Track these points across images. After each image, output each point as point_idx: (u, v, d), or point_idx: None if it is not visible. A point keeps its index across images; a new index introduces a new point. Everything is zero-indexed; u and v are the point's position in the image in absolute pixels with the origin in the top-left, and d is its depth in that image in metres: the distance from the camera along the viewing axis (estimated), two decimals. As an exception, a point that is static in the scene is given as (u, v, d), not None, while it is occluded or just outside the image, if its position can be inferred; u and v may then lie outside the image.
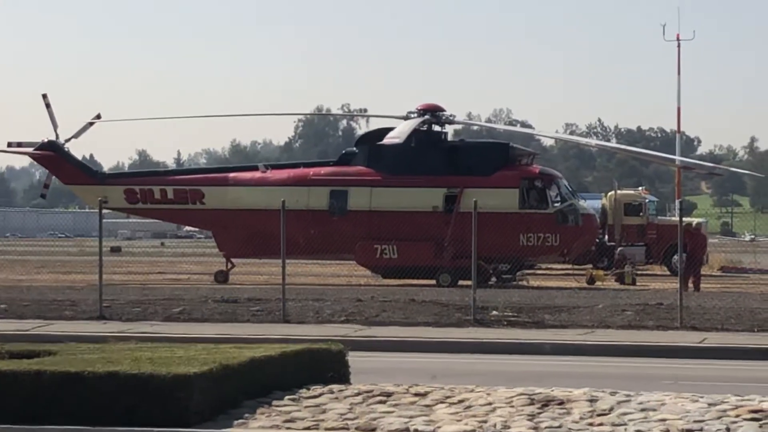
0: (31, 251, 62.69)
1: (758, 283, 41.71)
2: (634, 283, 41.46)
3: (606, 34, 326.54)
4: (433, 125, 42.86)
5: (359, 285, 38.81)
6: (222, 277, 41.72)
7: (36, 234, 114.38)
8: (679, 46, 76.18)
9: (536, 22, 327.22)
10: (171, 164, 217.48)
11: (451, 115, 43.86)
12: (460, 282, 39.06)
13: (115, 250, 65.62)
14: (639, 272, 45.28)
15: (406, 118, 42.54)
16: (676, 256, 49.05)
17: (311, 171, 42.82)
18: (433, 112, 42.69)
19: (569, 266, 47.41)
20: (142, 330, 23.63)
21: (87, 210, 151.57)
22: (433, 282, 39.35)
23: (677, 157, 61.86)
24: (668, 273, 48.97)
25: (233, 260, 42.67)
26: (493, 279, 40.27)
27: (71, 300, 28.48)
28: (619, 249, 46.89)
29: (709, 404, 12.63)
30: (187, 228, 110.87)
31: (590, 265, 45.35)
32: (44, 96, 43.53)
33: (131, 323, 25.14)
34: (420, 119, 41.98)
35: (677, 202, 73.62)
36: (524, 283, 41.19)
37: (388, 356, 21.22)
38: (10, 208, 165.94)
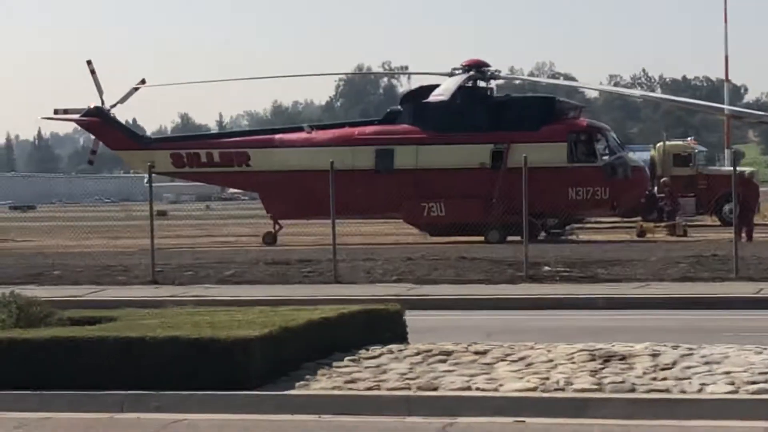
0: (78, 217, 62.88)
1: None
2: (685, 234, 41.15)
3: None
4: (478, 81, 42.59)
5: (407, 243, 38.76)
6: (270, 238, 41.78)
7: (82, 199, 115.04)
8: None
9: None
10: (213, 127, 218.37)
11: (496, 71, 43.57)
12: (509, 238, 38.94)
13: (161, 214, 65.74)
14: (690, 223, 44.94)
15: (450, 74, 42.28)
16: (726, 206, 48.93)
17: (356, 130, 42.70)
18: (478, 68, 42.41)
19: (618, 219, 47.21)
20: (194, 293, 23.73)
21: (132, 174, 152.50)
22: (481, 239, 39.22)
23: (726, 106, 61.19)
24: (719, 223, 48.60)
25: (280, 222, 42.70)
26: (543, 234, 40.11)
27: (123, 265, 28.62)
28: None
29: (774, 356, 12.52)
30: (231, 190, 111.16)
31: (639, 218, 45.07)
32: (89, 62, 43.60)
33: (184, 287, 25.24)
34: (465, 75, 41.71)
35: (726, 151, 73.13)
36: (574, 237, 41.00)
37: (441, 315, 21.17)
38: (56, 174, 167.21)
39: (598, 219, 48.58)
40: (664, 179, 47.62)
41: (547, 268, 26.11)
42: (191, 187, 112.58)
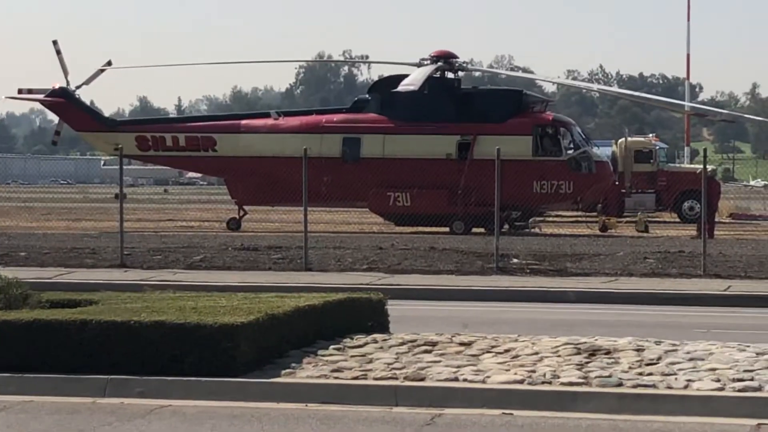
0: (34, 198, 62.46)
1: (771, 231, 41.65)
2: (647, 230, 41.40)
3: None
4: (445, 72, 42.62)
5: (373, 233, 38.77)
6: (234, 224, 41.66)
7: (37, 181, 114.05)
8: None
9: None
10: (172, 111, 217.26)
11: (464, 62, 43.64)
12: (474, 229, 39.05)
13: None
14: (649, 219, 45.21)
15: (419, 65, 42.29)
16: (686, 203, 49.31)
17: (324, 118, 42.62)
18: (446, 59, 42.45)
19: (579, 213, 47.42)
20: (164, 278, 23.56)
21: (88, 156, 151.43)
22: (446, 230, 39.30)
23: (687, 103, 61.54)
24: (678, 220, 48.94)
25: (245, 207, 42.59)
26: (506, 226, 40.23)
27: (90, 248, 28.41)
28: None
29: (757, 353, 12.61)
30: (190, 175, 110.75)
31: (600, 213, 45.28)
32: (55, 42, 43.28)
33: (153, 271, 25.06)
34: (434, 66, 41.73)
35: (686, 148, 73.64)
36: (537, 230, 41.16)
37: (415, 304, 21.15)
38: (11, 154, 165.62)
39: (559, 213, 48.79)
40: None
41: (516, 260, 26.18)
42: (149, 171, 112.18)
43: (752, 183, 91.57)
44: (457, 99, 41.65)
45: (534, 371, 12.06)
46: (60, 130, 46.28)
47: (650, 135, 60.16)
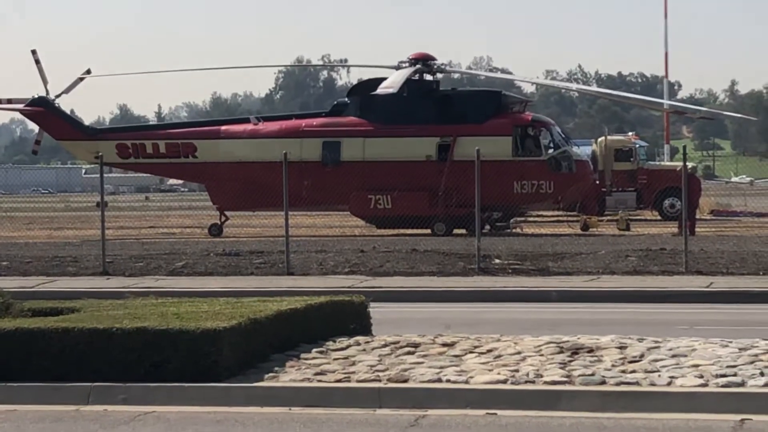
0: (16, 207, 62.30)
1: (752, 226, 41.77)
2: (628, 228, 41.48)
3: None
4: (424, 74, 42.66)
5: (354, 236, 38.77)
6: (216, 230, 41.62)
7: (18, 190, 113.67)
8: (666, -11, 76.02)
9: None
10: (152, 118, 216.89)
11: (442, 64, 43.69)
12: (455, 231, 39.08)
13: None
14: (631, 218, 45.30)
15: (397, 67, 42.33)
16: (667, 201, 49.42)
17: (303, 122, 42.62)
18: (424, 61, 42.48)
19: (560, 213, 47.49)
20: (146, 285, 23.54)
21: (69, 165, 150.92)
22: (428, 231, 39.33)
23: (666, 101, 61.71)
24: (659, 218, 49.04)
25: (226, 213, 42.56)
26: (487, 227, 40.25)
27: (72, 256, 28.35)
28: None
29: (740, 349, 12.64)
30: (171, 182, 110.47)
31: (580, 212, 45.36)
32: (33, 52, 43.16)
33: (135, 278, 25.04)
34: (412, 69, 41.75)
35: (666, 146, 73.85)
36: (518, 230, 41.23)
37: (397, 306, 21.15)
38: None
39: (540, 212, 48.87)
40: None
41: (498, 260, 26.21)
42: (130, 178, 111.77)
43: (735, 179, 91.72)
44: (436, 101, 41.69)
45: (517, 371, 12.07)
46: (40, 139, 46.18)
47: (630, 133, 60.31)
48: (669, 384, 11.48)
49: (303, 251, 27.98)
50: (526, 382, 11.76)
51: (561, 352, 12.76)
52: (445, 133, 40.70)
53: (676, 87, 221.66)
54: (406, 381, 11.99)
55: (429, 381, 11.93)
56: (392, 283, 23.79)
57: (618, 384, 11.56)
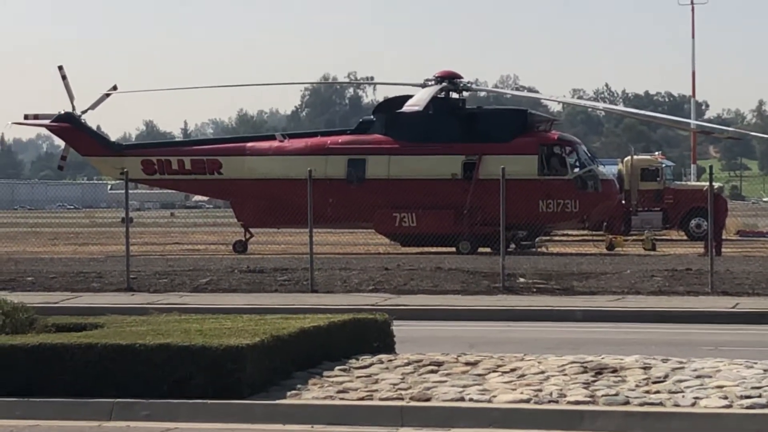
0: (42, 223, 62.61)
1: (778, 248, 41.56)
2: (654, 248, 41.32)
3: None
4: (450, 92, 42.65)
5: (379, 253, 38.75)
6: (241, 247, 41.63)
7: (45, 206, 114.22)
8: (693, 9, 75.81)
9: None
10: (178, 135, 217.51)
11: (468, 82, 43.67)
12: (480, 249, 39.00)
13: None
14: (657, 237, 45.14)
15: (423, 85, 42.31)
16: (693, 221, 49.23)
17: (329, 140, 42.64)
18: (450, 79, 42.47)
19: (585, 232, 47.35)
20: (170, 301, 23.52)
21: (95, 181, 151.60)
22: (453, 250, 39.25)
23: (693, 121, 61.48)
24: (686, 238, 48.84)
25: (251, 230, 42.60)
26: (512, 246, 40.16)
27: (97, 272, 28.40)
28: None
29: (765, 370, 12.56)
30: (196, 198, 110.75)
31: (607, 231, 45.22)
32: (60, 68, 43.34)
33: (159, 294, 25.07)
34: (438, 86, 41.72)
35: (693, 166, 73.57)
36: (543, 249, 41.10)
37: (421, 325, 21.13)
38: (19, 180, 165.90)
39: (565, 231, 48.74)
40: None
41: (522, 279, 26.14)
42: (155, 195, 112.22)
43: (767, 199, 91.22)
44: (462, 119, 41.66)
45: (540, 390, 12.02)
46: (66, 155, 46.33)
47: (656, 153, 60.08)
48: (693, 405, 11.41)
49: (327, 268, 27.97)
50: (550, 401, 11.71)
51: (585, 371, 12.70)
52: (471, 151, 40.64)
53: (703, 107, 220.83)
54: (428, 399, 11.95)
55: (452, 400, 11.90)
56: (416, 301, 23.76)
57: (642, 404, 11.50)
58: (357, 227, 42.80)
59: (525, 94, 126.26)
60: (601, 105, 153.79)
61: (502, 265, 25.55)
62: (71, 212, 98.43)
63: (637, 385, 12.09)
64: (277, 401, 12.11)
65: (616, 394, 11.76)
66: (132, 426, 11.99)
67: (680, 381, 12.18)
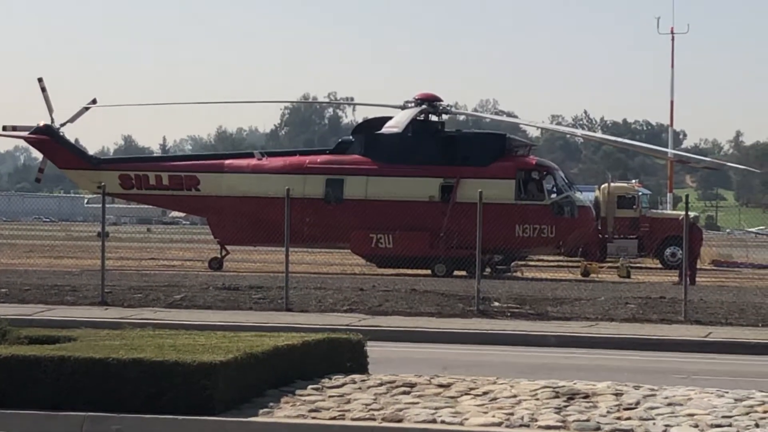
0: (17, 235, 62.36)
1: (752, 278, 41.79)
2: (628, 275, 41.50)
3: (589, 27, 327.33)
4: (429, 115, 42.80)
5: (354, 274, 38.77)
6: (216, 264, 41.64)
7: (21, 218, 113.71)
8: (673, 39, 76.22)
9: (524, 13, 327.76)
10: (156, 150, 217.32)
11: (447, 105, 43.85)
12: (455, 272, 39.09)
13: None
14: (632, 265, 45.33)
15: (403, 107, 42.47)
16: (668, 249, 49.45)
17: (307, 159, 42.74)
18: (430, 102, 42.64)
19: (561, 258, 47.54)
20: (144, 316, 23.51)
21: (72, 194, 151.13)
22: (428, 272, 39.34)
23: (670, 150, 61.85)
24: (660, 266, 49.04)
25: (227, 247, 42.58)
26: (488, 269, 40.26)
27: (71, 285, 28.34)
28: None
29: (736, 399, 12.60)
30: (173, 214, 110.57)
31: (582, 257, 45.43)
32: (40, 80, 43.32)
33: (133, 309, 25.03)
34: (418, 109, 41.91)
35: (669, 195, 73.80)
36: (518, 274, 41.22)
37: (395, 346, 21.14)
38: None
39: (541, 257, 48.88)
40: None
41: (497, 303, 26.20)
42: (132, 209, 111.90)
43: (753, 230, 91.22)
44: (441, 142, 41.83)
45: (512, 414, 12.04)
46: (44, 167, 46.26)
47: (633, 181, 60.43)
48: (664, 432, 11.45)
49: (302, 288, 27.99)
50: (521, 425, 11.73)
51: (557, 396, 12.73)
52: (449, 174, 40.80)
53: (681, 136, 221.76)
54: (400, 421, 11.96)
55: (424, 421, 11.90)
56: (390, 322, 23.78)
57: (613, 430, 11.52)
58: (333, 247, 42.84)
59: (504, 118, 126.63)
60: (579, 132, 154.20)
61: (477, 288, 25.62)
62: (47, 225, 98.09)
63: (608, 412, 12.12)
64: (250, 419, 12.10)
65: (588, 420, 11.79)
66: (103, 440, 11.94)
67: (651, 408, 12.22)
